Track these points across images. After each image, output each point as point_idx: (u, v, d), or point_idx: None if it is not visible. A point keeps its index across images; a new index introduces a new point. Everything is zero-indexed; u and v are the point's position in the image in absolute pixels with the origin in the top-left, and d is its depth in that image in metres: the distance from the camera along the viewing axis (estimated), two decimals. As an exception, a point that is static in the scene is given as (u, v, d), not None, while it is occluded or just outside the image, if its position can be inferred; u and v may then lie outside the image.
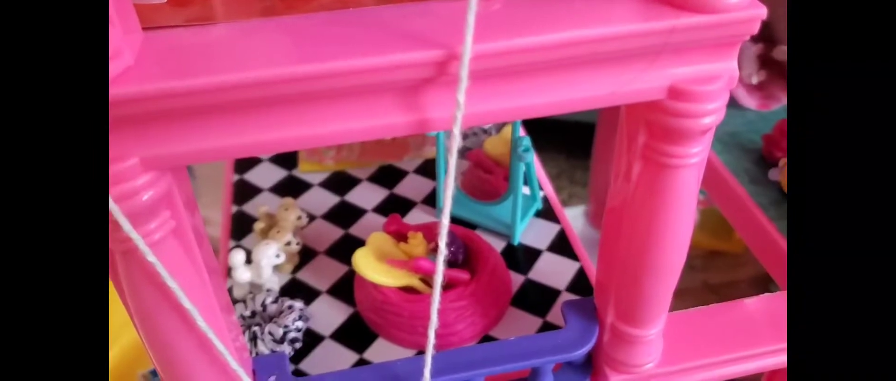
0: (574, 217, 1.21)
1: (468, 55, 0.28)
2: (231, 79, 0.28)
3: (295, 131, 0.32)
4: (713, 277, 1.10)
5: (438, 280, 0.36)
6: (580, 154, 1.34)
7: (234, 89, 0.29)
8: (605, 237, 0.45)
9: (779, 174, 0.69)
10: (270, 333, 0.54)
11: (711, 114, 0.35)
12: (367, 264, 0.55)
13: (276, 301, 0.57)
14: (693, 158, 0.37)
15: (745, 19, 0.31)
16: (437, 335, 0.55)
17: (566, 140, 1.37)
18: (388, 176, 0.75)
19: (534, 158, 0.67)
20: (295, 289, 0.61)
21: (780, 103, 0.82)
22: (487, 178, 0.70)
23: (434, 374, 0.45)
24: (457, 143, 0.31)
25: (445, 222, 0.34)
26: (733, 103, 0.81)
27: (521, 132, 0.63)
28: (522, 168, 0.62)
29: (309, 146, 0.32)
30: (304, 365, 0.54)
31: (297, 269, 0.63)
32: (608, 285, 0.46)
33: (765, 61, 0.85)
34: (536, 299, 0.60)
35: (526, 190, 0.69)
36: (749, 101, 0.83)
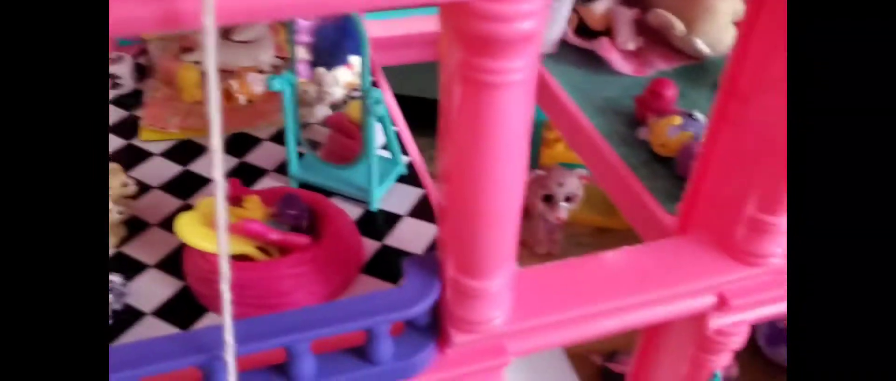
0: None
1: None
2: None
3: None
4: (603, 255, 1.09)
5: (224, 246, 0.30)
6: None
7: None
8: (440, 181, 0.41)
9: (647, 134, 0.67)
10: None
11: (529, 17, 0.31)
12: (191, 230, 0.49)
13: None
14: (515, 75, 0.33)
15: None
16: (272, 305, 0.50)
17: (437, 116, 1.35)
18: (240, 144, 0.68)
19: (389, 118, 0.62)
20: (116, 264, 0.54)
21: (655, 69, 0.81)
22: (349, 143, 0.64)
23: (247, 340, 0.39)
24: (212, 37, 0.26)
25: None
26: (609, 69, 0.80)
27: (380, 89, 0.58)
28: (374, 124, 0.57)
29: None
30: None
31: (123, 242, 0.56)
32: (446, 234, 0.41)
33: (641, 27, 0.84)
34: (392, 265, 0.55)
35: (386, 153, 0.64)
36: (625, 66, 0.81)
